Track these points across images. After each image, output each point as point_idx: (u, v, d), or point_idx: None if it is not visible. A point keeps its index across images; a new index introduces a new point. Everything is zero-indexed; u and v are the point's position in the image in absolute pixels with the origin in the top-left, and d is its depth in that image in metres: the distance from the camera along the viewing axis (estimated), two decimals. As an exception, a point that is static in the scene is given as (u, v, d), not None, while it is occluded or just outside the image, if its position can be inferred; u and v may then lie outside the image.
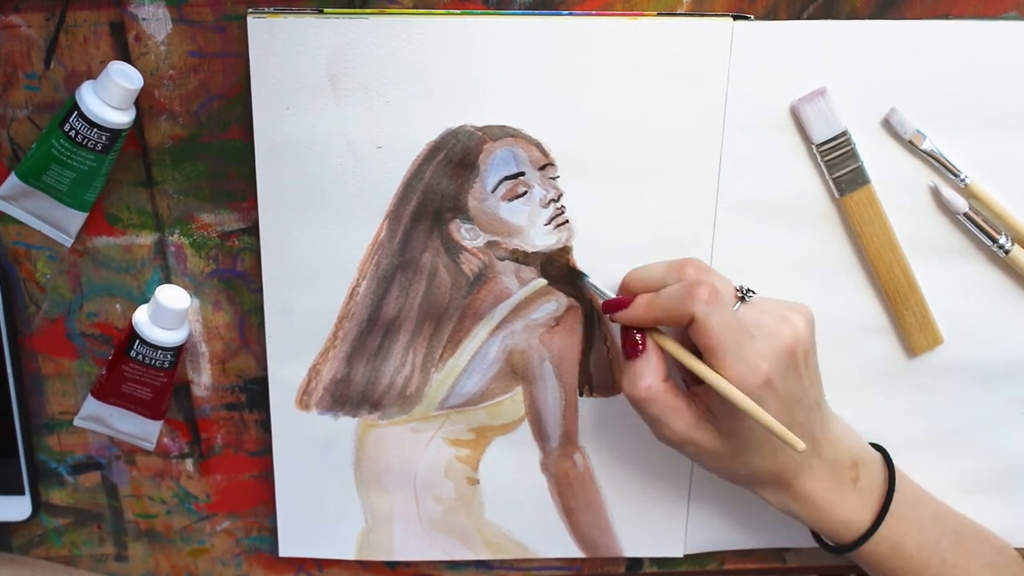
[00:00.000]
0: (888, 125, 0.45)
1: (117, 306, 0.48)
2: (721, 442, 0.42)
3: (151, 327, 0.45)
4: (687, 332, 0.41)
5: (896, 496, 0.44)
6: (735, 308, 0.41)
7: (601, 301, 0.45)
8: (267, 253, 0.46)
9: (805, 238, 0.47)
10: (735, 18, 0.43)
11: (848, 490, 0.44)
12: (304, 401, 0.49)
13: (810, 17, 0.44)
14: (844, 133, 0.45)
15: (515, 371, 0.49)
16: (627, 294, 0.44)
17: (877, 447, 0.47)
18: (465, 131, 0.44)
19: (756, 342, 0.40)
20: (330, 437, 0.50)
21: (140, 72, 0.43)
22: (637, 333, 0.43)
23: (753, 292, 0.42)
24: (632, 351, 0.42)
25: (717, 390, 0.40)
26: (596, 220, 0.46)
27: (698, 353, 0.41)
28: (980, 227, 0.46)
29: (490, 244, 0.46)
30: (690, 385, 0.45)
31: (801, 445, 0.39)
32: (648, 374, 0.42)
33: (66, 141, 0.43)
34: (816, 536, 0.47)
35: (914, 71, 0.45)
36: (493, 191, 0.46)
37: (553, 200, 0.46)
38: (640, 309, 0.42)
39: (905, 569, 0.45)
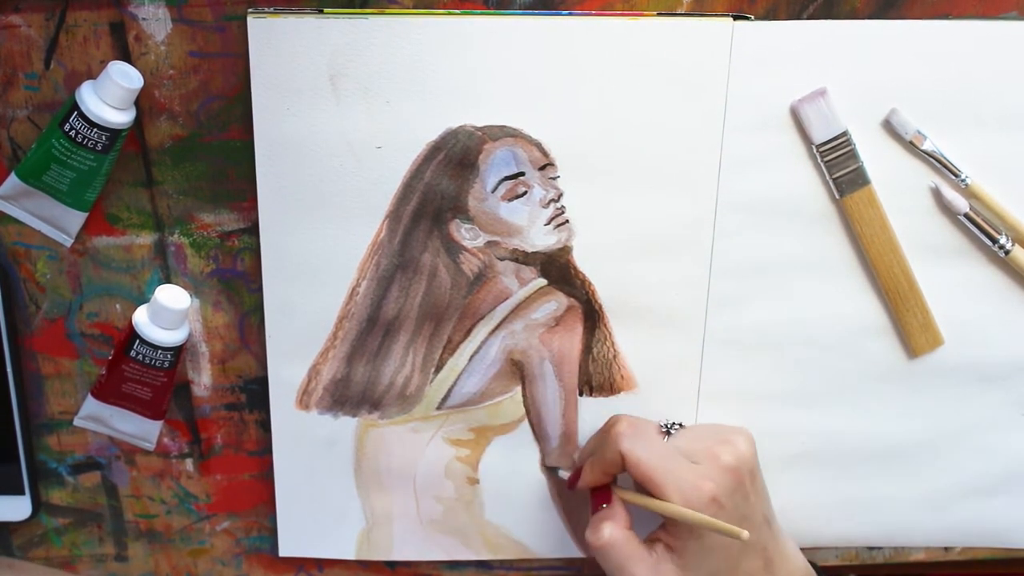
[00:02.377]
0: (888, 125, 0.45)
1: (117, 306, 0.48)
2: (681, 572, 0.43)
3: (151, 327, 0.45)
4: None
5: None
6: (665, 440, 0.44)
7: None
8: (267, 253, 0.46)
9: (805, 238, 0.47)
10: (735, 18, 0.43)
11: None
12: (304, 401, 0.49)
13: (810, 17, 0.44)
14: (844, 133, 0.45)
15: (515, 371, 0.49)
16: (579, 467, 0.47)
17: (815, 566, 0.48)
18: (465, 131, 0.44)
19: (696, 466, 0.42)
20: (330, 437, 0.50)
21: (140, 72, 0.43)
22: (599, 492, 0.45)
23: (680, 425, 0.46)
24: (596, 505, 0.45)
25: (668, 514, 0.41)
26: (596, 220, 0.46)
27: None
28: (981, 227, 0.46)
29: (490, 244, 0.46)
30: (653, 534, 0.45)
31: (744, 534, 0.39)
32: (611, 520, 0.43)
33: (66, 141, 0.43)
34: None
35: (915, 71, 0.44)
36: (493, 191, 0.46)
37: (553, 200, 0.46)
38: (587, 473, 0.45)
39: None
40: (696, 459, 0.43)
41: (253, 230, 0.47)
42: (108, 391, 0.47)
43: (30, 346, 0.49)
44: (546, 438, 0.50)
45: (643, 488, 0.43)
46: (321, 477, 0.50)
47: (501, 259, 0.47)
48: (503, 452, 0.50)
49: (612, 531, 0.43)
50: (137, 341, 0.45)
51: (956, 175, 0.46)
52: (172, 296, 0.46)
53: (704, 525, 0.40)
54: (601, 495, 0.45)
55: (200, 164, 0.46)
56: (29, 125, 0.45)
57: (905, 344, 0.49)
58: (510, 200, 0.46)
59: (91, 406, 0.48)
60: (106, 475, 0.52)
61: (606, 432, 0.45)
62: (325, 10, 0.42)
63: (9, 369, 0.48)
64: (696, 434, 0.45)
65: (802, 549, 0.54)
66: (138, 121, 0.45)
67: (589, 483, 0.46)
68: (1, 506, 0.51)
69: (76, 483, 0.52)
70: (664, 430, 0.45)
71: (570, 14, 0.43)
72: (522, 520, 0.52)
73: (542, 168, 0.45)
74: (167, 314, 0.45)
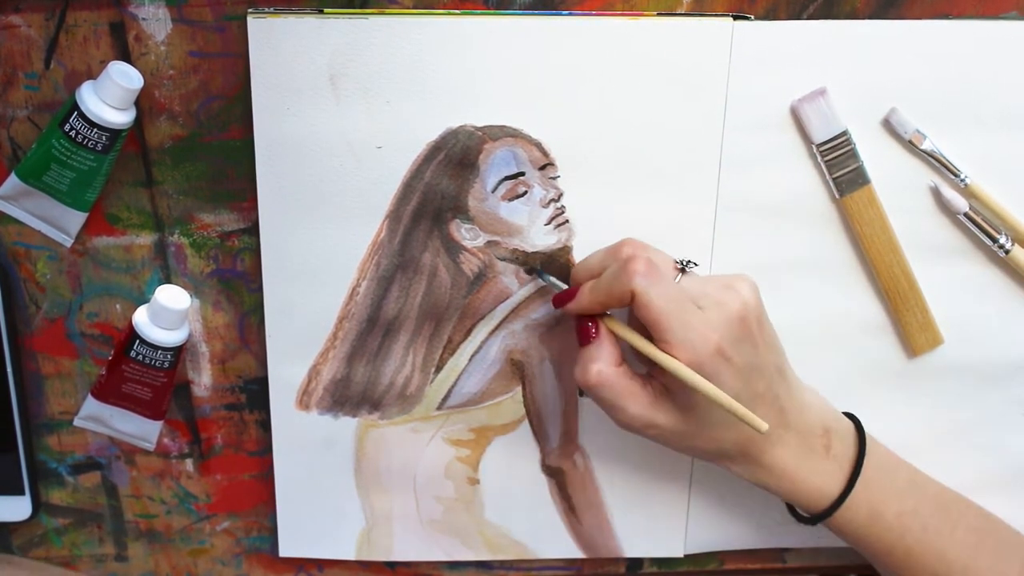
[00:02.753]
0: (888, 125, 0.45)
1: (117, 306, 0.48)
2: (682, 420, 0.41)
3: (151, 327, 0.45)
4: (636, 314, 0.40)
5: (870, 462, 0.44)
6: (676, 280, 0.41)
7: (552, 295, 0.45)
8: (267, 253, 0.46)
9: (805, 238, 0.47)
10: (735, 18, 0.43)
11: (820, 458, 0.43)
12: (304, 401, 0.49)
13: (810, 17, 0.44)
14: (844, 133, 0.45)
15: (515, 371, 0.49)
16: (575, 284, 0.44)
17: (849, 416, 0.46)
18: (465, 131, 0.44)
19: (703, 312, 0.39)
20: (330, 437, 0.50)
21: (140, 72, 0.43)
22: (589, 321, 0.42)
23: (695, 264, 0.42)
24: (585, 339, 0.42)
25: (668, 369, 0.39)
26: (596, 220, 0.46)
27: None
28: (980, 227, 0.46)
29: (490, 244, 0.46)
30: (649, 369, 0.43)
31: (764, 426, 0.38)
32: (599, 359, 0.41)
33: (66, 141, 0.43)
34: (791, 509, 0.47)
35: (914, 71, 0.45)
36: (493, 191, 0.46)
37: (553, 200, 0.46)
38: (585, 297, 0.42)
39: (884, 537, 0.44)
40: (702, 304, 0.40)
41: (253, 230, 0.47)
42: (108, 391, 0.47)
43: (30, 346, 0.49)
44: (546, 438, 0.50)
45: (643, 326, 0.40)
46: (321, 477, 0.50)
47: (501, 259, 0.47)
48: (503, 452, 0.50)
49: (603, 368, 0.41)
50: (137, 341, 0.45)
51: (956, 175, 0.46)
52: (172, 296, 0.46)
53: (718, 401, 0.38)
54: (590, 323, 0.42)
55: (200, 164, 0.46)
56: (29, 125, 0.45)
57: (905, 344, 0.49)
58: (510, 200, 0.46)
59: (91, 406, 0.48)
60: (106, 475, 0.52)
61: (618, 261, 0.41)
62: (325, 10, 0.42)
63: (9, 369, 0.48)
64: (702, 278, 0.42)
65: (804, 550, 0.54)
66: (138, 121, 0.45)
67: (585, 308, 0.42)
68: (1, 506, 0.51)
69: (76, 483, 0.52)
70: (679, 267, 0.41)
71: (570, 14, 0.43)
72: (522, 520, 0.52)
73: (542, 168, 0.45)
74: (167, 314, 0.45)
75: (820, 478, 0.43)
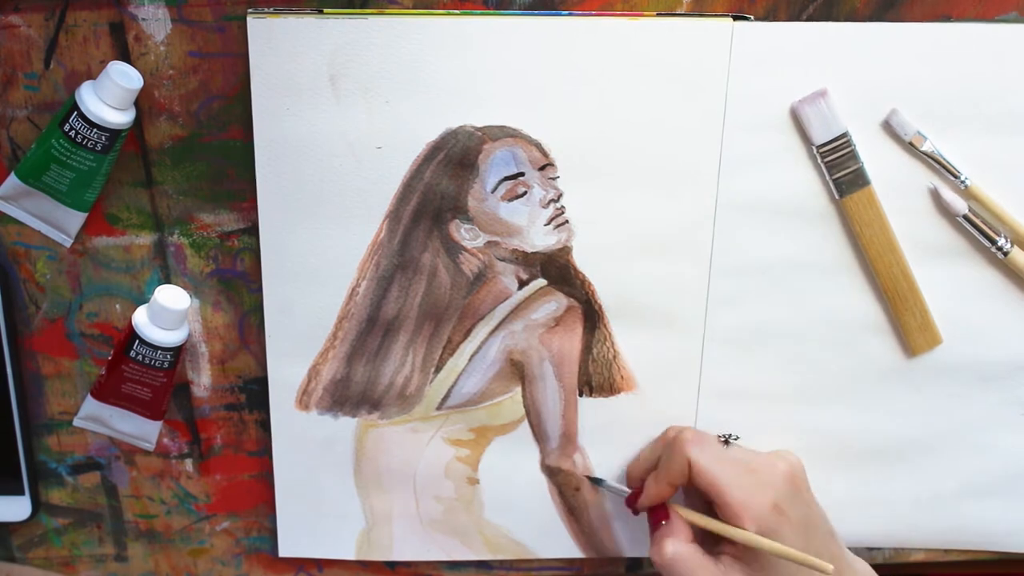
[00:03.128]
0: (888, 126, 0.45)
1: (117, 306, 0.48)
2: None
3: (151, 327, 0.45)
4: (703, 501, 0.44)
5: None
6: (726, 449, 0.44)
7: (623, 500, 0.49)
8: (267, 253, 0.46)
9: (805, 239, 0.47)
10: (735, 18, 0.43)
11: None
12: (304, 401, 0.49)
13: (810, 18, 0.44)
14: (844, 134, 0.45)
15: (515, 371, 0.49)
16: (633, 479, 0.49)
17: None
18: (465, 131, 0.44)
19: (755, 474, 0.42)
20: (330, 437, 0.50)
21: (140, 72, 0.43)
22: (661, 509, 0.46)
23: (737, 436, 0.45)
24: (656, 522, 0.45)
25: (732, 537, 0.41)
26: (596, 220, 0.46)
27: (714, 513, 0.43)
28: (980, 229, 0.46)
29: (490, 244, 0.46)
30: (717, 547, 0.45)
31: (829, 568, 0.39)
32: (673, 536, 0.44)
33: (66, 141, 0.43)
34: None
35: (914, 73, 0.45)
36: (493, 191, 0.46)
37: (553, 200, 0.46)
38: (651, 488, 0.45)
39: None
40: (753, 467, 0.43)
41: (253, 230, 0.47)
42: (108, 391, 0.47)
43: (30, 346, 0.49)
44: (546, 438, 0.50)
45: (703, 497, 0.43)
46: (321, 477, 0.50)
47: (501, 259, 0.47)
48: (503, 452, 0.50)
49: (676, 546, 0.43)
50: (137, 341, 0.45)
51: (955, 176, 0.46)
52: (172, 296, 0.46)
53: (781, 554, 0.40)
54: (660, 511, 0.46)
55: (200, 164, 0.46)
56: (29, 125, 0.45)
57: (904, 344, 0.49)
58: (510, 200, 0.46)
59: (91, 406, 0.48)
60: (106, 475, 0.52)
61: (669, 442, 0.45)
62: (325, 10, 0.42)
63: (9, 369, 0.48)
64: (746, 449, 0.45)
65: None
66: (138, 121, 0.45)
67: (654, 498, 0.46)
68: (1, 506, 0.51)
69: (76, 483, 0.52)
70: (723, 439, 0.45)
71: (570, 14, 0.43)
72: (522, 520, 0.52)
73: (542, 168, 0.45)
74: (167, 314, 0.45)
75: None
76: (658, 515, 0.45)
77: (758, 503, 0.41)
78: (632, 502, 0.48)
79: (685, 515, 0.45)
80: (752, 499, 0.41)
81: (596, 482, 0.50)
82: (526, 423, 0.50)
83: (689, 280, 0.47)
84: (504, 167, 0.45)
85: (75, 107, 0.42)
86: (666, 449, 0.45)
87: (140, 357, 0.46)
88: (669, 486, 0.45)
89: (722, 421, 0.50)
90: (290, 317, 0.47)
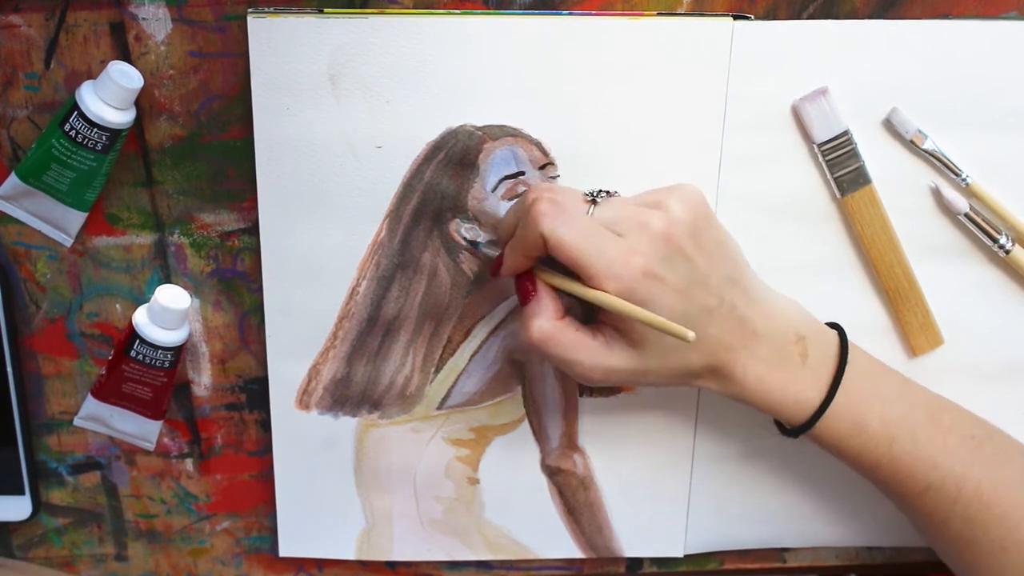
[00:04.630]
0: (889, 125, 0.45)
1: (117, 306, 0.48)
2: (639, 356, 0.40)
3: (151, 327, 0.45)
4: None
5: (852, 370, 0.42)
6: (589, 212, 0.39)
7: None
8: (267, 253, 0.46)
9: (806, 238, 0.47)
10: (735, 18, 0.43)
11: (795, 367, 0.42)
12: (304, 401, 0.49)
13: (810, 17, 0.44)
14: (845, 133, 0.45)
15: (515, 371, 0.49)
16: (502, 247, 0.43)
17: (834, 325, 0.45)
18: (465, 131, 0.44)
19: (623, 238, 0.38)
20: (330, 437, 0.50)
21: (140, 72, 0.43)
22: (527, 280, 0.42)
23: (609, 192, 0.40)
24: (524, 298, 0.41)
25: (595, 302, 0.38)
26: (596, 220, 0.46)
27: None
28: (981, 227, 0.46)
29: (490, 244, 0.46)
30: (598, 316, 0.42)
31: (690, 335, 0.36)
32: (538, 314, 0.40)
33: (66, 141, 0.43)
34: (778, 423, 0.45)
35: (915, 71, 0.44)
36: (493, 191, 0.45)
37: (553, 200, 0.46)
38: (508, 257, 0.42)
39: (870, 448, 0.42)
40: (621, 230, 0.39)
41: (253, 230, 0.47)
42: (108, 391, 0.47)
43: (30, 346, 0.49)
44: (546, 438, 0.50)
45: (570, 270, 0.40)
46: (321, 477, 0.50)
47: (501, 259, 0.47)
48: (503, 452, 0.50)
49: (543, 324, 0.40)
50: (137, 341, 0.45)
51: (956, 174, 0.46)
52: (172, 296, 0.46)
53: (638, 318, 0.37)
54: (526, 283, 0.41)
55: (200, 164, 0.46)
56: (29, 125, 0.45)
57: (905, 344, 0.49)
58: (510, 200, 0.46)
59: (91, 406, 0.48)
60: (106, 475, 0.52)
61: (525, 211, 0.40)
62: (325, 10, 0.42)
63: (9, 369, 0.48)
64: (622, 202, 0.40)
65: (804, 549, 0.54)
66: (138, 121, 0.45)
67: (512, 268, 0.42)
68: (1, 506, 0.51)
69: (76, 483, 0.52)
70: (589, 198, 0.40)
71: (570, 14, 0.43)
72: (522, 520, 0.52)
73: (542, 168, 0.45)
74: (167, 314, 0.45)
75: (797, 387, 0.42)
76: (526, 288, 0.41)
77: (624, 272, 0.37)
78: (495, 271, 0.43)
79: (549, 280, 0.41)
80: (617, 269, 0.37)
81: (473, 245, 0.46)
82: (526, 423, 0.50)
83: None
84: (504, 166, 0.45)
85: (75, 107, 0.42)
86: (521, 219, 0.40)
87: (140, 357, 0.46)
88: (525, 258, 0.41)
89: (722, 421, 0.50)
90: (290, 317, 0.47)
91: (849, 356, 0.42)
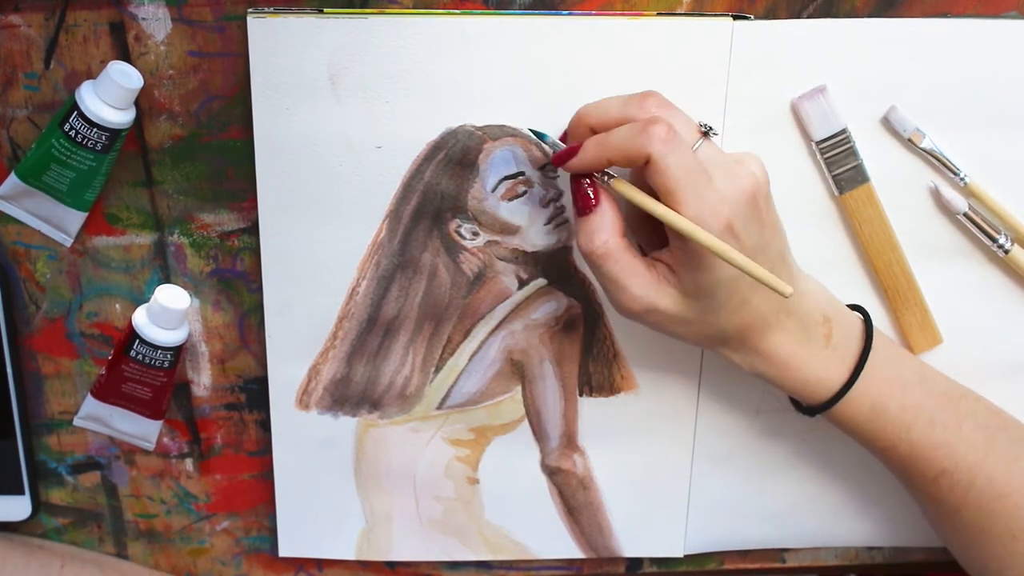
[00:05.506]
0: (888, 123, 0.45)
1: (117, 306, 0.48)
2: (684, 304, 0.40)
3: (151, 327, 0.45)
4: (644, 178, 0.38)
5: (875, 354, 0.42)
6: (696, 146, 0.38)
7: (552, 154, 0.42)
8: (267, 253, 0.46)
9: (804, 236, 0.47)
10: (735, 18, 0.43)
11: (820, 347, 0.42)
12: (304, 401, 0.49)
13: (810, 16, 0.44)
14: (844, 131, 0.45)
15: (515, 371, 0.49)
16: (579, 130, 0.41)
17: (857, 308, 0.45)
18: (465, 131, 0.44)
19: (716, 184, 0.38)
20: (330, 437, 0.50)
21: (140, 72, 0.43)
22: (589, 185, 0.39)
23: (715, 131, 0.40)
24: (585, 205, 0.39)
25: (681, 231, 0.37)
26: (596, 220, 0.46)
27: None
28: (979, 226, 0.46)
29: (490, 244, 0.46)
30: (648, 253, 0.41)
31: (788, 289, 0.36)
32: (604, 229, 0.39)
33: (66, 141, 0.43)
34: (794, 401, 0.45)
35: (914, 70, 0.45)
36: (493, 191, 0.46)
37: (553, 200, 0.46)
38: (591, 152, 0.39)
39: (888, 431, 0.43)
40: (715, 176, 0.38)
41: (253, 230, 0.47)
42: (108, 391, 0.47)
43: (30, 346, 0.49)
44: (546, 438, 0.50)
45: (651, 192, 0.38)
46: (321, 477, 0.50)
47: (501, 259, 0.47)
48: (503, 452, 0.50)
49: (608, 239, 0.38)
50: (137, 341, 0.45)
51: (955, 173, 0.46)
52: (172, 296, 0.46)
53: (735, 262, 0.37)
54: (593, 188, 0.39)
55: (200, 164, 0.46)
56: (29, 125, 0.45)
57: (904, 342, 0.49)
58: (510, 200, 0.46)
59: (91, 406, 0.48)
60: (106, 475, 0.51)
61: (640, 126, 0.38)
62: (325, 10, 0.42)
63: (9, 369, 0.48)
64: (717, 150, 0.40)
65: (804, 550, 0.54)
66: (138, 121, 0.45)
67: (589, 165, 0.39)
68: (1, 506, 0.50)
69: (76, 483, 0.52)
70: (703, 131, 0.39)
71: (570, 14, 0.43)
72: (522, 520, 0.52)
73: (542, 168, 0.45)
74: (167, 314, 0.45)
75: (820, 367, 0.42)
76: (586, 195, 0.39)
77: (712, 220, 0.37)
78: (562, 158, 0.40)
79: (623, 190, 0.39)
80: (706, 215, 0.37)
81: (540, 136, 0.43)
82: (526, 423, 0.50)
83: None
84: (504, 166, 0.45)
85: (75, 107, 0.42)
86: (630, 126, 0.38)
87: (140, 357, 0.46)
88: (609, 162, 0.39)
89: (722, 421, 0.50)
90: (290, 317, 0.47)
91: (873, 341, 0.43)
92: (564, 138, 0.43)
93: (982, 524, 0.43)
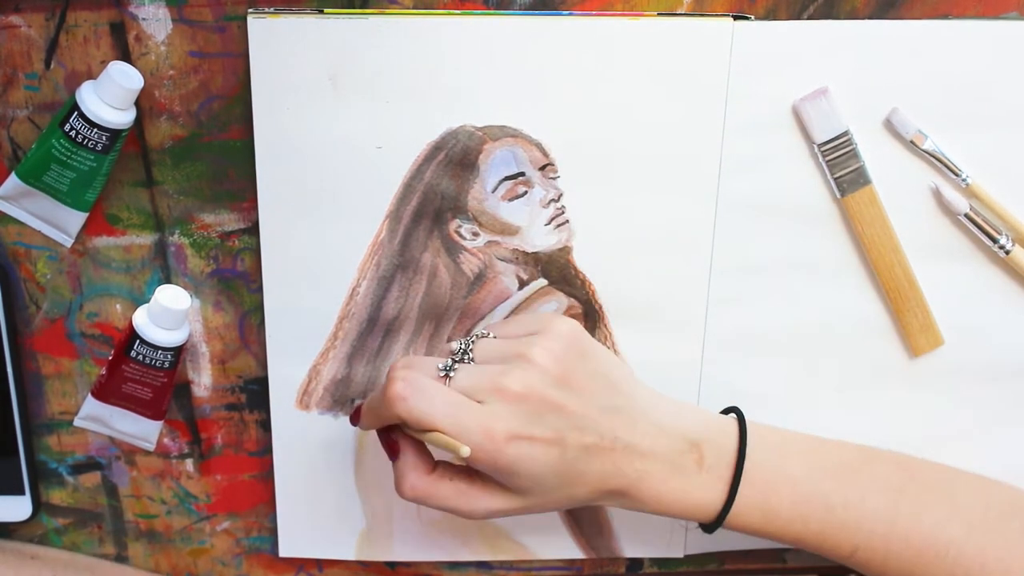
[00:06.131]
0: (889, 125, 0.45)
1: (117, 306, 0.48)
2: (519, 497, 0.40)
3: (151, 327, 0.45)
4: None
5: (752, 460, 0.42)
6: (447, 383, 0.39)
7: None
8: (267, 253, 0.46)
9: (806, 238, 0.47)
10: (735, 18, 0.43)
11: (693, 475, 0.41)
12: (304, 401, 0.49)
13: (810, 17, 0.44)
14: (846, 133, 0.45)
15: (515, 371, 0.49)
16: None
17: (733, 410, 0.44)
18: (465, 131, 0.44)
19: (485, 406, 0.38)
20: (330, 437, 0.50)
21: (140, 72, 0.43)
22: (390, 436, 0.42)
23: (461, 359, 0.40)
24: (392, 455, 0.42)
25: (428, 442, 0.39)
26: (596, 220, 0.46)
27: None
28: (981, 228, 0.46)
29: (490, 244, 0.46)
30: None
31: (464, 451, 0.37)
32: (409, 472, 0.41)
33: (66, 141, 0.43)
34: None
35: (915, 71, 0.44)
36: (493, 191, 0.45)
37: (553, 200, 0.46)
38: (367, 417, 0.42)
39: (788, 529, 0.42)
40: (481, 397, 0.39)
41: (253, 230, 0.47)
42: (108, 391, 0.47)
43: (30, 346, 0.49)
44: (546, 438, 0.50)
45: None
46: (321, 477, 0.50)
47: (501, 259, 0.47)
48: (503, 452, 0.50)
49: (415, 482, 0.40)
50: (137, 341, 0.45)
51: (957, 175, 0.46)
52: (172, 296, 0.46)
53: (430, 441, 0.38)
54: (391, 438, 0.42)
55: (200, 164, 0.46)
56: (29, 125, 0.45)
57: (905, 344, 0.49)
58: (510, 200, 0.46)
59: (91, 406, 0.48)
60: (106, 475, 0.52)
61: (381, 395, 0.40)
62: (325, 10, 0.42)
63: (9, 369, 0.48)
64: (477, 367, 0.40)
65: (801, 550, 0.54)
66: (138, 121, 0.45)
67: (369, 427, 0.43)
68: (1, 506, 0.51)
69: (76, 483, 0.52)
70: (443, 373, 0.40)
71: (570, 14, 0.43)
72: (522, 520, 0.52)
73: (542, 168, 0.45)
74: (167, 314, 0.45)
75: (697, 495, 0.41)
76: (391, 445, 0.42)
77: (489, 443, 0.38)
78: (353, 419, 0.44)
79: (413, 434, 0.40)
80: (480, 439, 0.38)
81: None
82: (526, 423, 0.50)
83: (689, 280, 0.47)
84: (504, 167, 0.45)
85: (75, 107, 0.42)
86: (376, 400, 0.41)
87: (140, 357, 0.46)
88: (382, 423, 0.41)
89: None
90: (290, 317, 0.47)
91: (748, 446, 0.42)
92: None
93: None
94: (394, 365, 0.41)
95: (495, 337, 0.42)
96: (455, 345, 0.41)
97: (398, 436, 0.42)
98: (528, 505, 0.41)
